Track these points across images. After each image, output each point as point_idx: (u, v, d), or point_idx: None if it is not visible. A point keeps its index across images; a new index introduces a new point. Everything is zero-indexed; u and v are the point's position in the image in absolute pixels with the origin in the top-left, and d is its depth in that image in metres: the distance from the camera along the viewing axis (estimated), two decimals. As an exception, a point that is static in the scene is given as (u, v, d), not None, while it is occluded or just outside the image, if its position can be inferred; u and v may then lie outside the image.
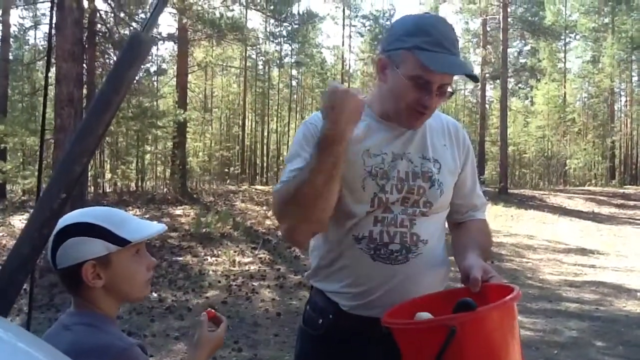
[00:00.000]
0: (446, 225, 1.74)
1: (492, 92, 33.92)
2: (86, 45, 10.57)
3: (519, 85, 37.12)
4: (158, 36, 14.86)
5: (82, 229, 1.21)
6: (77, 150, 0.74)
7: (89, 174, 13.34)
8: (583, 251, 10.96)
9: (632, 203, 18.36)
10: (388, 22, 31.99)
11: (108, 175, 17.17)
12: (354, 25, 34.15)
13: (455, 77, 1.62)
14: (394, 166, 1.57)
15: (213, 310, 1.48)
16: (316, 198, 1.41)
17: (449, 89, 1.53)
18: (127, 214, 1.31)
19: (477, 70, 25.83)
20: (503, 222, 14.29)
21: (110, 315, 1.26)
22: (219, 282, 7.22)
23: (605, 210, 17.07)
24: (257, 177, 28.41)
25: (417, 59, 1.45)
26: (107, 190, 16.88)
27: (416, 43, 1.46)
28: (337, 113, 1.37)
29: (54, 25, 8.51)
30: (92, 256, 1.20)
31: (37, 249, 0.73)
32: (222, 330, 1.44)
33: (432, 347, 1.21)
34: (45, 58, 14.10)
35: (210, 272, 7.66)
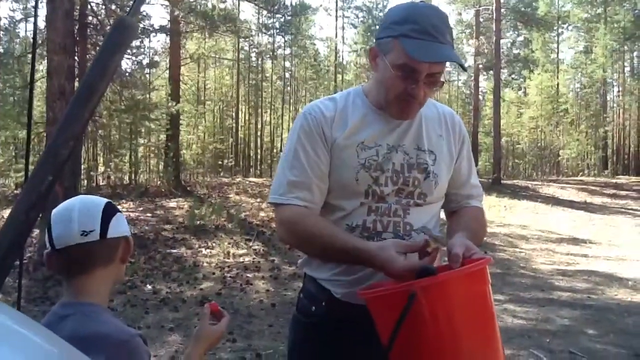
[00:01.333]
0: (442, 215, 1.75)
1: (485, 83, 33.95)
2: (77, 38, 10.49)
3: (512, 76, 37.14)
4: (150, 28, 14.76)
5: (117, 208, 1.32)
6: (63, 134, 0.74)
7: (82, 167, 13.28)
8: (575, 241, 11.02)
9: (624, 193, 18.46)
10: (381, 14, 31.94)
11: (101, 169, 17.13)
12: (347, 17, 34.17)
13: (448, 68, 1.61)
14: (389, 158, 1.56)
15: (216, 304, 1.48)
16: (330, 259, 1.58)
17: (441, 79, 1.51)
18: None
19: (470, 61, 25.87)
20: (496, 212, 14.34)
21: (105, 304, 1.28)
22: (213, 273, 7.23)
23: (597, 200, 17.16)
24: (251, 169, 28.38)
25: (402, 48, 1.43)
26: (101, 183, 16.81)
27: (403, 31, 1.43)
28: (399, 267, 1.35)
29: (45, 18, 8.46)
30: (129, 233, 1.34)
31: (24, 233, 0.74)
32: (223, 325, 1.45)
33: (398, 311, 1.24)
34: (36, 50, 14.00)
35: (205, 264, 7.66)
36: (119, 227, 1.29)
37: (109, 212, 1.27)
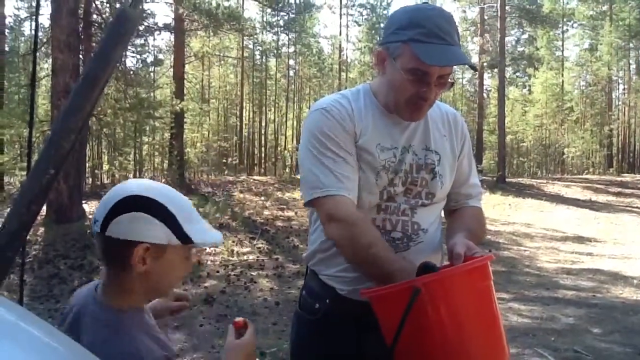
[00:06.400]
0: (442, 214, 1.75)
1: (490, 81, 33.87)
2: (82, 36, 10.51)
3: (517, 73, 37.06)
4: (154, 26, 14.79)
5: (152, 206, 1.07)
6: (65, 127, 0.73)
7: (87, 165, 13.32)
8: (580, 239, 10.98)
9: (629, 191, 18.38)
10: (385, 11, 31.93)
11: (106, 167, 17.16)
12: (351, 15, 34.06)
13: (454, 67, 1.60)
14: (402, 159, 1.57)
15: (241, 320, 1.33)
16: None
17: (450, 80, 1.52)
18: (193, 208, 1.17)
19: (474, 59, 25.82)
20: (501, 210, 14.31)
21: (140, 306, 1.15)
22: (218, 272, 7.23)
23: (602, 198, 17.09)
24: (255, 168, 28.40)
25: (413, 52, 1.43)
26: (105, 181, 16.86)
27: (411, 36, 1.44)
28: None
29: (49, 17, 8.49)
30: (150, 240, 1.07)
31: (26, 225, 0.73)
32: (249, 335, 1.30)
33: (402, 309, 1.24)
34: (40, 49, 14.03)
35: (209, 262, 7.66)
36: (131, 229, 1.06)
37: (120, 208, 1.06)
